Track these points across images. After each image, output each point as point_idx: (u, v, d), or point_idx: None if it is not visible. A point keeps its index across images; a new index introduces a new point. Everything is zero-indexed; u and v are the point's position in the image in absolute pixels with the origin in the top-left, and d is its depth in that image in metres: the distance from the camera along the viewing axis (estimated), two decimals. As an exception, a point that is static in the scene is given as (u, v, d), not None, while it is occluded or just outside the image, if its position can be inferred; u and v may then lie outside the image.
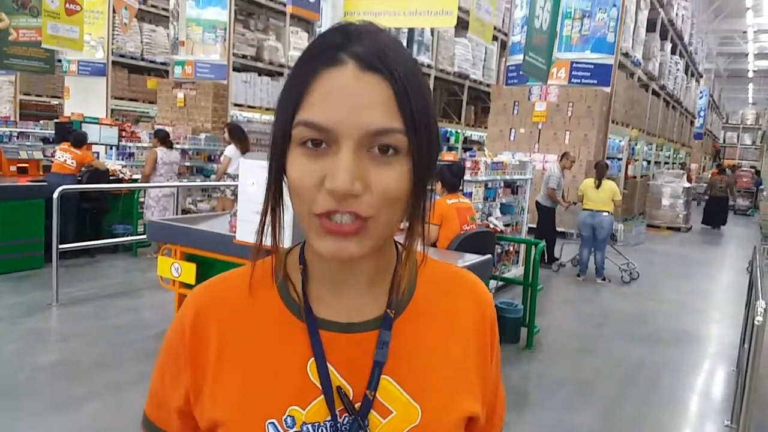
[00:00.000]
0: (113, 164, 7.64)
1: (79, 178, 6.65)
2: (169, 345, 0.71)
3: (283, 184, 0.64)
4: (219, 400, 0.67)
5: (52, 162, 6.64)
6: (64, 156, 6.52)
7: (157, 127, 8.82)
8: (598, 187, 7.31)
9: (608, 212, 7.29)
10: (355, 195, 0.57)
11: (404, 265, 0.69)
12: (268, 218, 0.66)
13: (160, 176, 6.93)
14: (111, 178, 7.04)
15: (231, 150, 6.92)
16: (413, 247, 0.68)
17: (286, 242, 0.70)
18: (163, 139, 7.09)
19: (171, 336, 0.72)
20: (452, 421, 0.69)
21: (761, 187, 20.72)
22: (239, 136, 6.89)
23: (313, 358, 0.65)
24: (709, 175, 19.16)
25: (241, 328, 0.68)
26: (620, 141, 12.44)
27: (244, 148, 6.76)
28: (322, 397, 0.64)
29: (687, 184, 13.96)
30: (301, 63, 0.61)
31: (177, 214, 6.88)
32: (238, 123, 8.90)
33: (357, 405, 0.65)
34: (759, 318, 2.96)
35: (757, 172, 23.67)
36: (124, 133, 8.69)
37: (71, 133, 6.93)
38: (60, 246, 5.18)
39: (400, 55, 0.61)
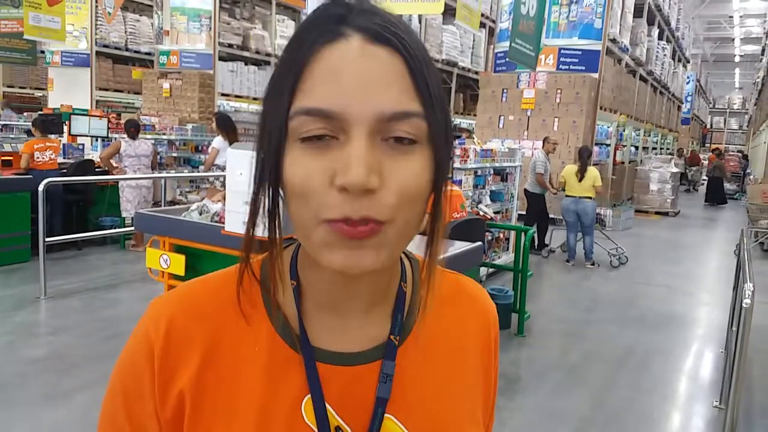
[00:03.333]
0: (98, 156, 7.54)
1: (64, 171, 6.55)
2: (130, 368, 0.57)
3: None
4: None
5: (34, 161, 6.39)
6: (47, 154, 6.39)
7: (142, 117, 8.72)
8: (581, 179, 7.32)
9: (590, 198, 7.34)
10: (371, 190, 0.47)
11: (425, 285, 0.59)
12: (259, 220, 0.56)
13: (125, 167, 6.72)
14: (96, 169, 6.96)
15: (218, 141, 6.83)
16: (435, 263, 0.58)
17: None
18: (130, 130, 6.82)
19: (131, 358, 0.58)
20: None
21: (748, 171, 20.88)
22: (226, 127, 6.78)
23: (308, 397, 0.56)
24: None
25: (224, 359, 0.57)
26: (608, 127, 12.49)
27: (232, 138, 6.67)
28: None
29: (675, 169, 14.05)
30: (295, 43, 0.50)
31: (164, 205, 6.82)
32: (225, 113, 8.82)
33: None
34: (747, 300, 2.99)
35: (744, 157, 23.81)
36: (109, 124, 8.58)
37: (40, 124, 6.64)
38: (47, 239, 5.14)
39: (408, 28, 0.51)
